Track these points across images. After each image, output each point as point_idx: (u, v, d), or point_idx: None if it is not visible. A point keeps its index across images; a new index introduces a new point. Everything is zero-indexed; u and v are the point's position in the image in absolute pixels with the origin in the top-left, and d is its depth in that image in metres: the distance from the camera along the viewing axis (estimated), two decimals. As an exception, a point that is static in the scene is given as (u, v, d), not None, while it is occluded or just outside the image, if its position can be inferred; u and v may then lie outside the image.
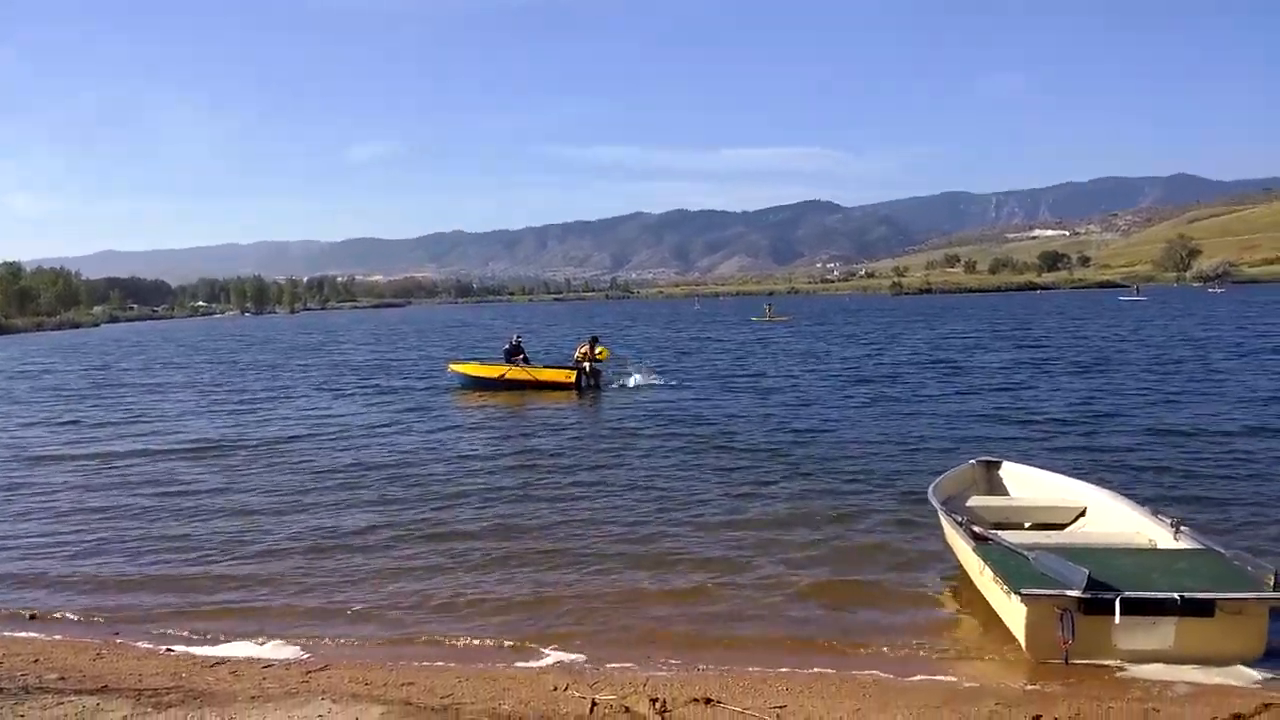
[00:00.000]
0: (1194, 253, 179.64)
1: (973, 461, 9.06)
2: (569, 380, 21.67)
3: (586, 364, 22.06)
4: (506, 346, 23.52)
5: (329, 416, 18.36)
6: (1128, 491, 8.19)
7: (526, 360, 22.96)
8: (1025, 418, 15.35)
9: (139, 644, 6.61)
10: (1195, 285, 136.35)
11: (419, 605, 7.19)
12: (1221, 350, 27.36)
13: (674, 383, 22.52)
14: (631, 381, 21.98)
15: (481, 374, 23.00)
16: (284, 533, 9.37)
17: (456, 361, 25.36)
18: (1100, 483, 8.32)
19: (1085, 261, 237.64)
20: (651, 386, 21.71)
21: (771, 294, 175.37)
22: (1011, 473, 8.86)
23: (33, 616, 7.23)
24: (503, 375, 22.22)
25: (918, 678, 5.64)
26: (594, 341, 23.07)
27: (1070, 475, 8.58)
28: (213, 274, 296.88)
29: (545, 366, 23.03)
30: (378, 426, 16.59)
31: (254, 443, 14.94)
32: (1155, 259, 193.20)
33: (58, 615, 7.27)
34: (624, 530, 9.04)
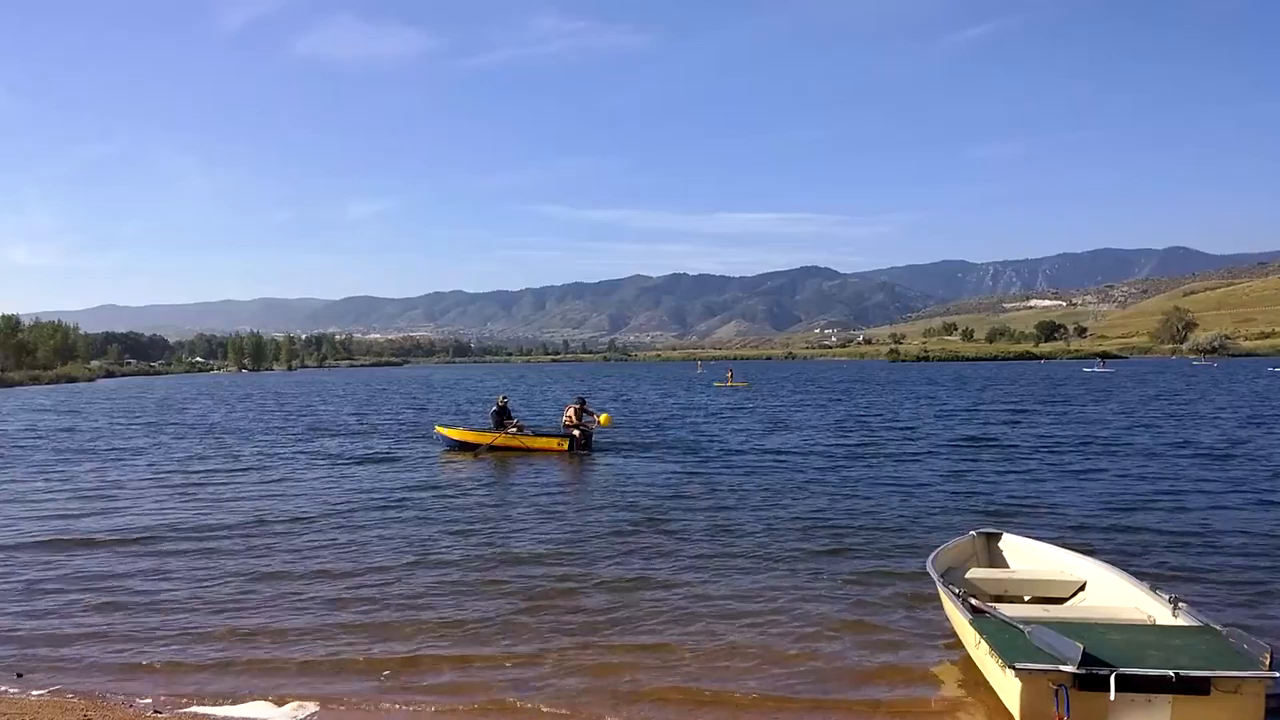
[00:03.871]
0: (1190, 325, 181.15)
1: (973, 533, 9.02)
2: (562, 447, 21.58)
3: (577, 430, 21.92)
4: (494, 409, 23.20)
5: (326, 480, 18.36)
6: (1127, 566, 8.16)
7: (514, 421, 22.66)
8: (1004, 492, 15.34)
9: (125, 706, 6.52)
10: (1191, 357, 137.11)
11: (416, 675, 7.11)
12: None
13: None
14: None
15: (470, 440, 22.74)
16: (277, 603, 9.30)
17: (445, 425, 25.01)
18: (1100, 557, 8.29)
19: (1082, 332, 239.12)
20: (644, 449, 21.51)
21: (769, 358, 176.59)
22: (1011, 545, 8.83)
23: (19, 675, 7.15)
24: (491, 444, 21.81)
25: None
26: (582, 402, 23.03)
27: (1069, 549, 8.56)
28: (211, 330, 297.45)
29: (537, 434, 22.70)
30: (371, 493, 16.49)
31: (246, 512, 14.76)
32: (1152, 331, 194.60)
33: (44, 674, 7.18)
34: (614, 603, 8.96)
